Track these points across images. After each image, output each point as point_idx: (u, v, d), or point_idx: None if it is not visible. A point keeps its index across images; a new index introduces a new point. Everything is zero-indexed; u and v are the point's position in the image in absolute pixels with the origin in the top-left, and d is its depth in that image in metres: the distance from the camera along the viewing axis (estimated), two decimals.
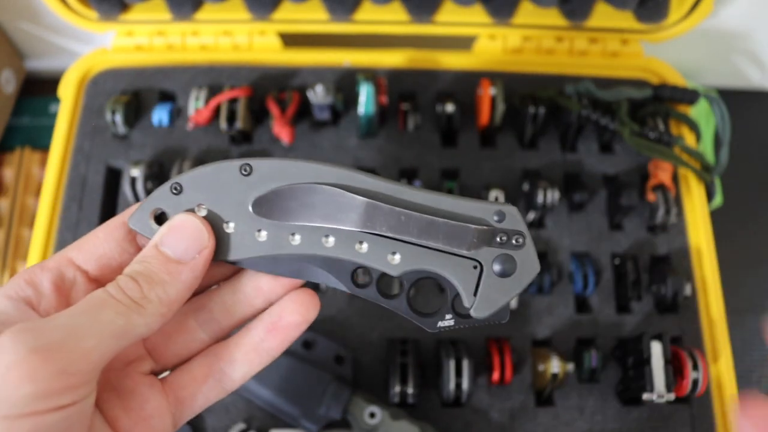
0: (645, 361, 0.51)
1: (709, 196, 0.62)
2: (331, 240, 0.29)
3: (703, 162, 0.61)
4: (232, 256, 0.29)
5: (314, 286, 0.56)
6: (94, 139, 0.61)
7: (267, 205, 0.29)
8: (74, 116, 0.62)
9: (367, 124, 0.59)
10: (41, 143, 0.74)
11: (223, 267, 0.31)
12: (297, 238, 0.29)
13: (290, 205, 0.29)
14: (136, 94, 0.63)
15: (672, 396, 0.50)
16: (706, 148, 0.68)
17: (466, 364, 0.50)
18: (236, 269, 0.31)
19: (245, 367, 0.30)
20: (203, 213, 0.29)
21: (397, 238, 0.29)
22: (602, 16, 0.65)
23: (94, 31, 0.65)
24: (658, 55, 0.67)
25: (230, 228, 0.29)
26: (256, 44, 0.66)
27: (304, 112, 0.62)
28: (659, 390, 0.50)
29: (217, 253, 0.29)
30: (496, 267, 0.29)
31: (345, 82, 0.63)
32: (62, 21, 0.64)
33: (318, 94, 0.58)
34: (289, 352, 0.51)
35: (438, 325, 0.30)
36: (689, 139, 0.63)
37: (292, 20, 0.65)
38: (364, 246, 0.29)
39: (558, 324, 0.56)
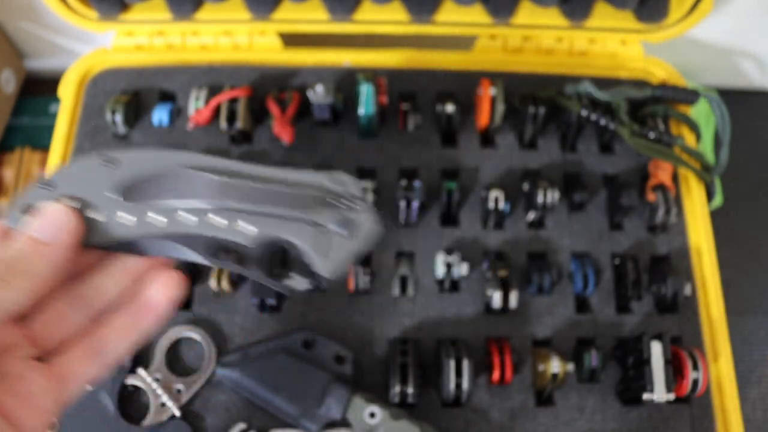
0: (645, 361, 0.51)
1: (709, 196, 0.61)
2: (190, 217, 0.32)
3: (703, 162, 0.61)
4: (102, 240, 0.32)
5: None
6: (94, 139, 0.61)
7: (131, 191, 0.32)
8: (74, 116, 0.62)
9: (367, 124, 0.59)
10: (41, 143, 0.74)
11: (95, 253, 0.33)
12: (160, 219, 0.32)
13: (152, 189, 0.32)
14: (136, 94, 0.63)
15: (672, 396, 0.50)
16: (706, 148, 0.68)
17: (466, 364, 0.50)
18: (107, 254, 0.34)
19: (121, 344, 0.33)
20: (73, 204, 0.32)
21: (248, 210, 0.32)
22: (602, 16, 0.65)
23: (94, 31, 0.65)
24: (658, 55, 0.67)
25: (99, 215, 0.32)
26: (256, 44, 0.66)
27: (304, 112, 0.62)
28: (659, 390, 0.50)
29: (88, 238, 0.31)
30: (336, 228, 0.32)
31: (345, 82, 0.63)
32: (62, 21, 0.64)
33: (318, 94, 0.58)
34: (288, 352, 0.52)
35: (291, 287, 0.32)
36: (689, 139, 0.63)
37: (292, 20, 0.65)
38: (220, 220, 0.32)
39: (558, 324, 0.56)
